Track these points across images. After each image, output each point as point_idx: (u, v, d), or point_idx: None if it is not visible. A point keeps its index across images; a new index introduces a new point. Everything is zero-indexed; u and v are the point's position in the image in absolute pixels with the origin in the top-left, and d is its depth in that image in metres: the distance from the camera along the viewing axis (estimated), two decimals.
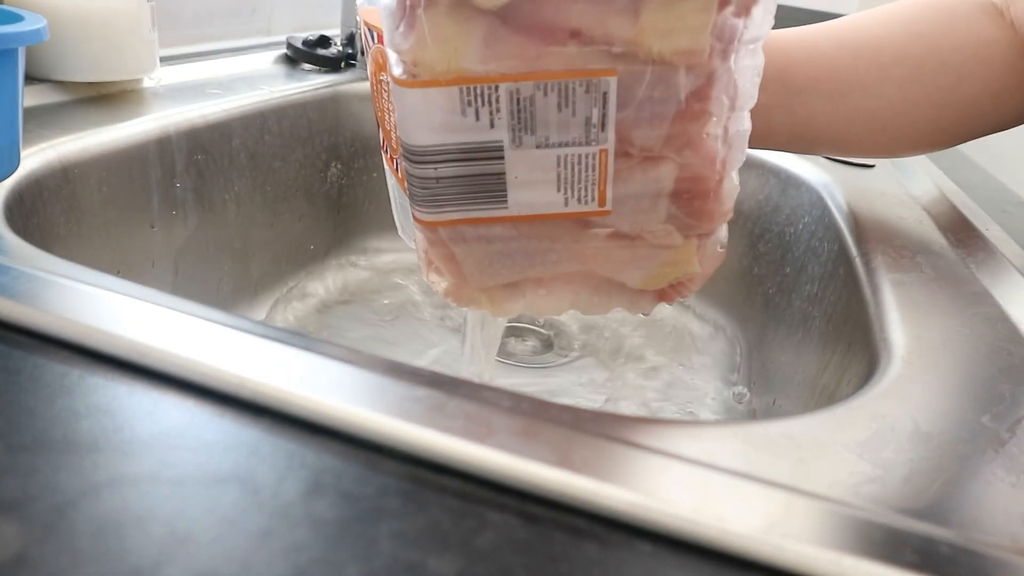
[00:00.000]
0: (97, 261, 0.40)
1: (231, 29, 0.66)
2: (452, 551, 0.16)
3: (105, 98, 0.46)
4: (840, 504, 0.19)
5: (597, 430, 0.20)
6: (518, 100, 0.23)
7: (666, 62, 0.23)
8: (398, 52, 0.23)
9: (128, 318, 0.22)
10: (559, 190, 0.25)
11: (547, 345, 0.57)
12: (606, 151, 0.24)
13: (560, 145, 0.24)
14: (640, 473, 0.19)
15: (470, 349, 0.37)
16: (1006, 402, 0.25)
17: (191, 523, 0.16)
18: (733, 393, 0.52)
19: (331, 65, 0.64)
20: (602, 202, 0.26)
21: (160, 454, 0.18)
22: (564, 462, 0.18)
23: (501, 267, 0.27)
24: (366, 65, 0.32)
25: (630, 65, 0.23)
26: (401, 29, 0.23)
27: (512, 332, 0.57)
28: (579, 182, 0.25)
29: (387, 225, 0.59)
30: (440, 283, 0.29)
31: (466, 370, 0.38)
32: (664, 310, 0.61)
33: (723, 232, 0.28)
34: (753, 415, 0.49)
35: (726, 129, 0.25)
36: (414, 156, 0.25)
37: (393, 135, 0.28)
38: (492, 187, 0.25)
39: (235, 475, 0.17)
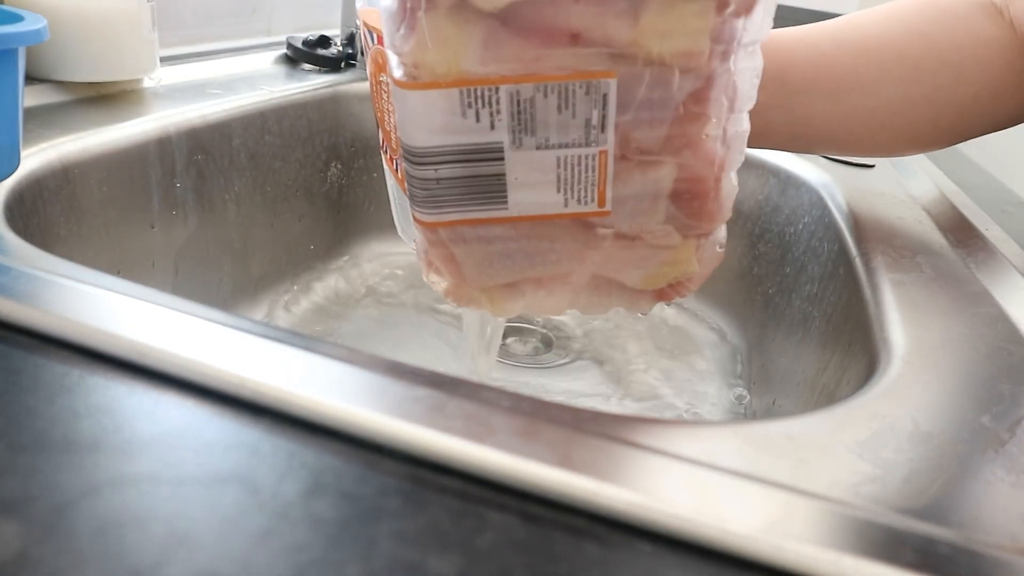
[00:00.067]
0: (97, 261, 0.40)
1: (231, 29, 0.66)
2: (452, 551, 0.16)
3: (105, 98, 0.46)
4: (840, 504, 0.19)
5: (597, 430, 0.20)
6: (518, 102, 0.23)
7: (665, 64, 0.23)
8: (399, 54, 0.23)
9: (128, 318, 0.22)
10: (559, 191, 0.25)
11: (547, 345, 0.57)
12: (606, 152, 0.25)
13: (560, 146, 0.24)
14: (640, 473, 0.19)
15: (470, 349, 0.37)
16: (1006, 402, 0.25)
17: (191, 523, 0.16)
18: (734, 394, 0.52)
19: (331, 65, 0.64)
20: (602, 203, 0.26)
21: (160, 454, 0.18)
22: (564, 462, 0.18)
23: (501, 267, 0.28)
24: (366, 65, 0.32)
25: (630, 67, 0.23)
26: (401, 31, 0.23)
27: (512, 332, 0.57)
28: (579, 183, 0.25)
29: (387, 225, 0.59)
30: (440, 283, 0.29)
31: (466, 370, 0.38)
32: (664, 310, 0.61)
33: (722, 232, 0.28)
34: (753, 415, 0.49)
35: (725, 130, 0.25)
36: (414, 157, 0.25)
37: (393, 136, 0.28)
38: (492, 188, 0.25)
39: (235, 475, 0.17)
